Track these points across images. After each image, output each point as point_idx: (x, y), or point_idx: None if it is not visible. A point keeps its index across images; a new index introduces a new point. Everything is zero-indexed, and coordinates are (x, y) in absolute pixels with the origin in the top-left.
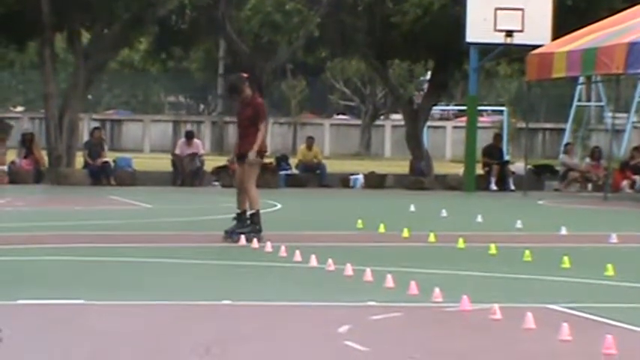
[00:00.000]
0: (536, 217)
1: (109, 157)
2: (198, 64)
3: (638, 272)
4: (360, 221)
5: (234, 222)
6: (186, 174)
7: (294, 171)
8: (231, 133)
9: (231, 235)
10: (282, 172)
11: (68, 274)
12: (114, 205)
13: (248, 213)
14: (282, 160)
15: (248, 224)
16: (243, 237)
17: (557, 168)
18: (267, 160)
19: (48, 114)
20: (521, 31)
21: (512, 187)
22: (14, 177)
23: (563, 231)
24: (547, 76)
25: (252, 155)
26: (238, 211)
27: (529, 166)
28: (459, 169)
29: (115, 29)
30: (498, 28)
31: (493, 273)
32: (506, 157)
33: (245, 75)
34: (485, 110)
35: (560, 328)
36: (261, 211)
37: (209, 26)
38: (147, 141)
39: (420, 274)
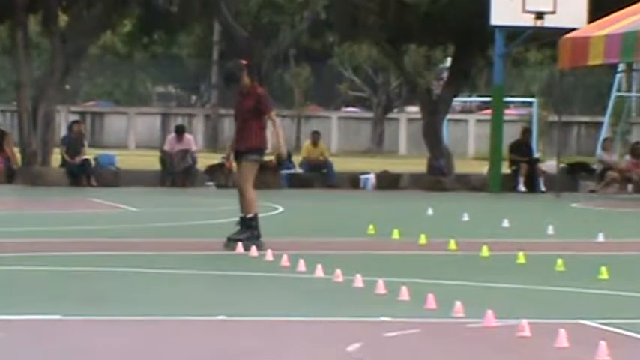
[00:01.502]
0: (570, 222)
1: (90, 154)
2: (189, 50)
3: None
4: (371, 226)
5: (238, 227)
6: (176, 173)
7: (298, 170)
8: (227, 127)
9: (229, 242)
10: (284, 172)
11: (43, 286)
12: (95, 208)
13: (246, 216)
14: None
15: (244, 230)
16: (240, 244)
17: (594, 166)
18: (267, 158)
19: (20, 106)
20: (553, 12)
21: (543, 188)
22: None
23: (601, 237)
24: (582, 63)
25: (284, 150)
26: (241, 215)
27: (562, 165)
28: (483, 168)
29: (95, 10)
30: (527, 9)
31: (521, 285)
32: (536, 155)
33: (244, 62)
34: (513, 102)
35: (596, 346)
36: (261, 215)
37: (202, 7)
38: (132, 136)
39: (439, 286)
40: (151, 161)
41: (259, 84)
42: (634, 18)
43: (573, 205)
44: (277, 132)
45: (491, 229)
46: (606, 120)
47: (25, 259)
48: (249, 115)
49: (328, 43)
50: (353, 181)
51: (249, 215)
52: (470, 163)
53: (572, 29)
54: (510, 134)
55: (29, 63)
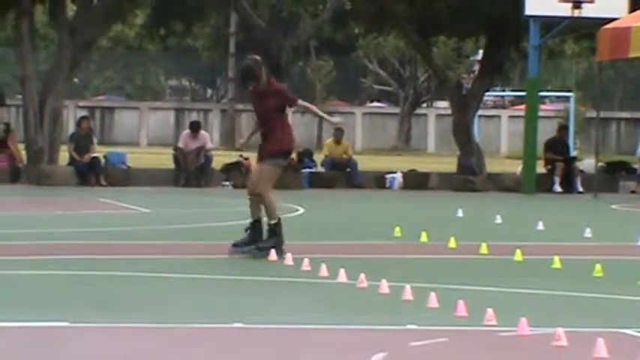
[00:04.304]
0: (609, 225)
1: (99, 151)
2: (204, 42)
3: None
4: (397, 229)
5: (247, 233)
6: (190, 172)
7: (320, 169)
8: (244, 123)
9: (242, 248)
10: (306, 171)
11: (50, 291)
12: (104, 209)
13: (269, 223)
14: (305, 155)
15: (269, 236)
16: (273, 251)
17: (635, 166)
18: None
19: (26, 100)
20: (591, 1)
21: (580, 189)
22: None
23: None
24: (623, 56)
25: (331, 118)
26: (251, 219)
27: (600, 164)
28: (517, 167)
29: (106, 0)
30: None
31: (557, 291)
32: (573, 153)
33: (259, 58)
34: (548, 96)
35: (637, 357)
36: (281, 217)
37: None
38: (144, 133)
39: (470, 292)
40: (163, 159)
41: (275, 79)
42: None
43: (612, 206)
44: (310, 108)
45: (525, 232)
46: None
47: (30, 263)
48: (273, 115)
49: (352, 34)
50: (378, 181)
51: (274, 221)
52: (502, 161)
53: (613, 19)
54: (546, 131)
55: (35, 55)
